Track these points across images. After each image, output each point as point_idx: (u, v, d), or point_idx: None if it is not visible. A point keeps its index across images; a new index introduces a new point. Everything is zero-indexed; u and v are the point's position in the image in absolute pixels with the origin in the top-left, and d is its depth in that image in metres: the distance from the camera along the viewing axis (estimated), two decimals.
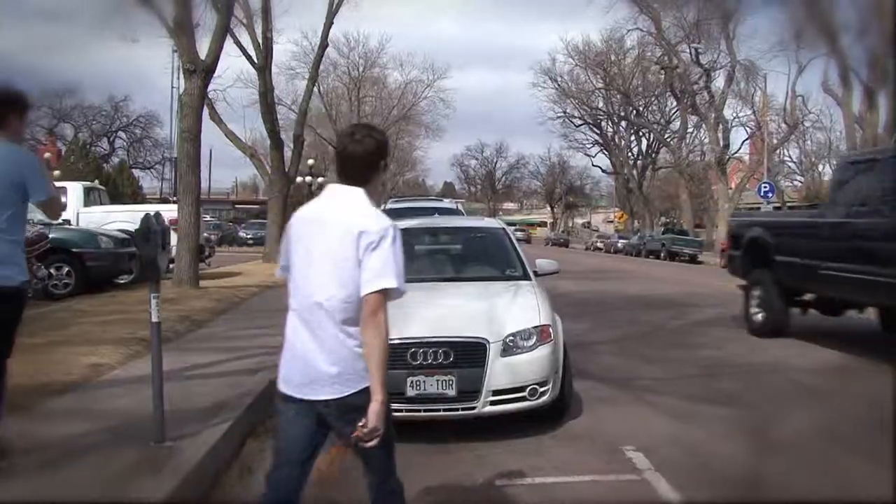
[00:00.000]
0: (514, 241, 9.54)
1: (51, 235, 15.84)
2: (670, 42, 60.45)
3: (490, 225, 10.65)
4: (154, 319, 6.41)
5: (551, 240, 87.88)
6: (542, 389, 7.17)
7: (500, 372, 7.01)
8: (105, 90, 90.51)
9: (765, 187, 47.96)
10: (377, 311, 3.85)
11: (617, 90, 73.61)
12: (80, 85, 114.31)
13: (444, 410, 7.02)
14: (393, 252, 3.93)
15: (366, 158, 4.07)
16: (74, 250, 16.91)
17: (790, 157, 70.34)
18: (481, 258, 9.75)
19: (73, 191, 21.79)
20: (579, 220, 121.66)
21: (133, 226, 18.87)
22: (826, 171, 70.45)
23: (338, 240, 3.92)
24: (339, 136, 4.36)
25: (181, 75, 30.27)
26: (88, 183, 24.97)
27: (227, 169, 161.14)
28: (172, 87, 49.98)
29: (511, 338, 7.17)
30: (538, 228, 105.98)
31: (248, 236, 59.13)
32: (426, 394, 6.92)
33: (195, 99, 17.51)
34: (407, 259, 8.08)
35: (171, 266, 17.40)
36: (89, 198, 22.38)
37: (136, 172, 72.68)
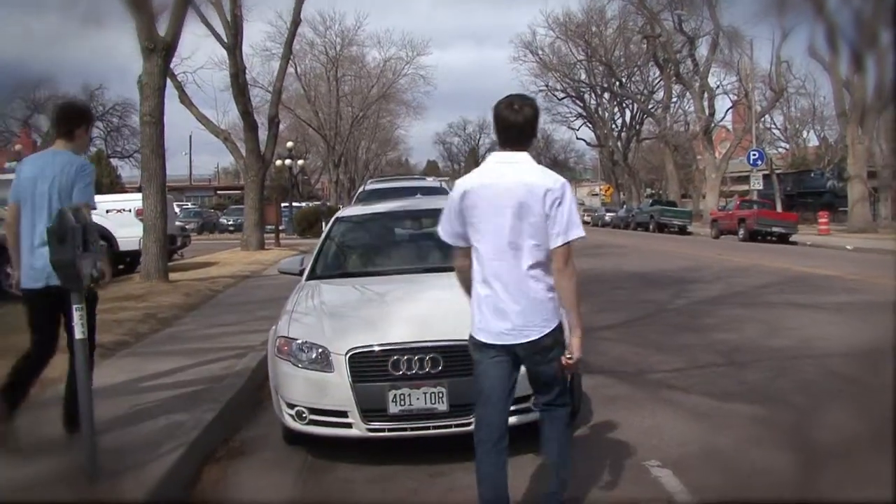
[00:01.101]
0: None
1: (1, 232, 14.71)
2: (653, 10, 59.61)
3: None
4: (78, 336, 5.29)
5: None
6: None
7: None
8: (79, 80, 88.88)
9: (754, 154, 47.45)
10: (569, 260, 4.49)
11: (599, 61, 72.71)
12: (55, 75, 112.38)
13: (435, 428, 5.91)
14: (574, 205, 4.53)
15: (525, 126, 4.59)
16: None
17: (774, 123, 69.56)
18: None
19: None
20: None
21: (101, 219, 18.09)
22: (811, 138, 70.33)
23: (523, 198, 4.45)
24: (497, 107, 4.62)
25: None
26: None
27: (208, 155, 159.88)
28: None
29: None
30: None
31: (230, 223, 57.88)
32: (412, 409, 5.82)
33: (156, 79, 16.30)
34: (384, 247, 8.12)
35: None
36: None
37: (115, 162, 71.31)
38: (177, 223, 27.71)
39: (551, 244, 4.45)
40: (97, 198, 18.87)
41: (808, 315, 12.28)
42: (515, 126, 4.57)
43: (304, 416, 6.05)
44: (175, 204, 58.09)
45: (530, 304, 4.52)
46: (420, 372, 5.82)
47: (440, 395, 5.80)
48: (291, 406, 6.12)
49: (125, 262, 20.41)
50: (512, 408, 5.83)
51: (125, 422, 6.67)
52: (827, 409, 7.27)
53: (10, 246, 6.30)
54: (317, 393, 5.98)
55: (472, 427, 5.74)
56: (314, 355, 6.06)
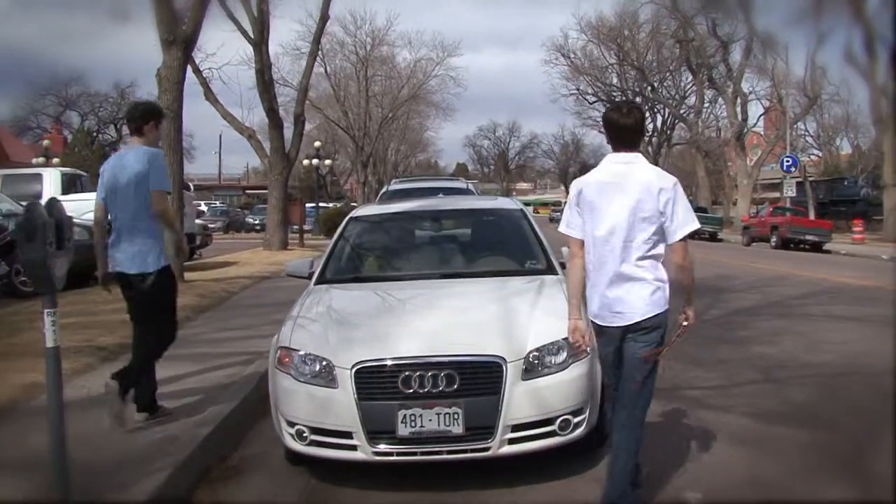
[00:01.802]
0: (535, 226, 7.82)
1: (12, 227, 14.34)
2: (686, 14, 58.77)
3: (505, 206, 8.70)
4: (49, 344, 4.77)
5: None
6: (576, 420, 5.48)
7: (521, 400, 5.30)
8: (111, 77, 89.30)
9: (787, 161, 46.43)
10: (686, 253, 4.94)
11: (631, 65, 71.72)
12: (86, 72, 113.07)
13: (449, 453, 5.30)
14: (686, 201, 4.95)
15: (636, 128, 5.04)
16: None
17: (807, 130, 68.58)
18: (495, 247, 7.97)
19: (49, 177, 20.15)
20: None
21: None
22: (843, 146, 69.34)
23: (638, 195, 4.82)
24: (608, 113, 5.12)
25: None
26: (68, 169, 23.33)
27: (238, 155, 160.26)
28: None
29: (535, 354, 5.46)
30: (550, 208, 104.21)
31: (256, 222, 57.54)
32: (424, 432, 5.21)
33: (175, 72, 15.77)
34: (402, 250, 7.91)
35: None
36: (69, 185, 20.69)
37: None
38: (197, 221, 27.31)
39: (669, 240, 4.90)
40: None
41: (851, 328, 11.60)
42: (627, 128, 4.99)
43: (304, 435, 5.47)
44: (203, 202, 58.64)
45: (641, 292, 4.86)
46: (433, 390, 5.22)
47: (455, 416, 5.20)
48: (291, 424, 5.54)
49: None
50: (534, 431, 5.31)
51: (113, 436, 6.12)
52: (887, 436, 6.55)
53: (95, 241, 7.04)
54: (319, 411, 5.39)
55: (489, 452, 5.23)
56: (317, 368, 5.48)
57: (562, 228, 5.16)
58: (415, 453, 5.28)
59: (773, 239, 37.42)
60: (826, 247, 35.70)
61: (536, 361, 5.43)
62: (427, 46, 74.20)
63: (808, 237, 36.64)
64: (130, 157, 6.68)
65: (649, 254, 4.85)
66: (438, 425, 5.20)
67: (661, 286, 4.88)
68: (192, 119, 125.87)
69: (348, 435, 5.29)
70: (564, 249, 7.35)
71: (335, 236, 7.98)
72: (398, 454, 5.26)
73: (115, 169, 6.71)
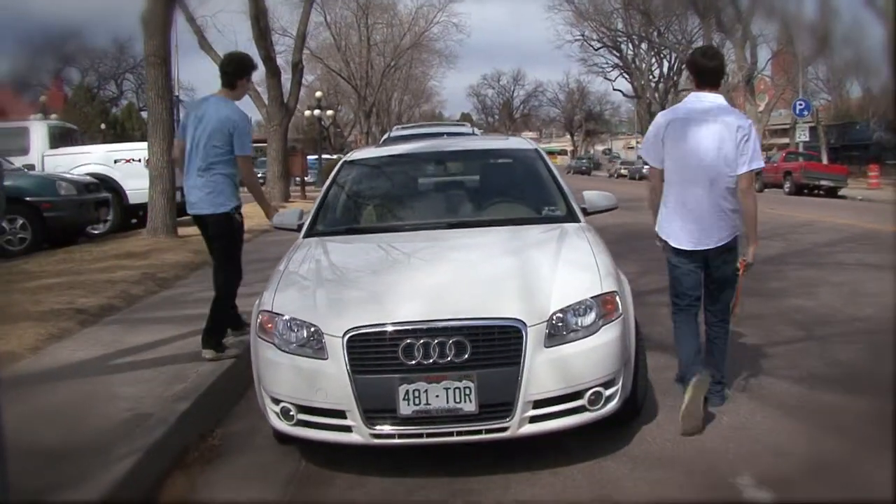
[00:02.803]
0: (553, 168, 6.97)
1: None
2: None
3: (517, 146, 7.80)
4: None
5: (573, 167, 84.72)
6: (608, 392, 4.67)
7: (544, 371, 4.48)
8: (110, 32, 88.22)
9: (800, 105, 45.69)
10: (751, 184, 5.54)
11: (637, 10, 70.58)
12: (84, 27, 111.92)
13: (460, 434, 4.49)
14: (758, 141, 5.55)
15: (718, 70, 5.67)
16: (29, 199, 14.55)
17: (817, 74, 67.34)
18: (508, 192, 7.03)
19: (37, 131, 19.24)
20: (599, 147, 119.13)
21: (108, 169, 16.79)
22: (854, 90, 68.34)
23: (719, 132, 5.42)
24: (693, 55, 5.78)
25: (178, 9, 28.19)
26: (56, 122, 22.45)
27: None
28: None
29: (559, 316, 4.62)
30: (558, 157, 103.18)
31: (259, 175, 56.79)
32: (430, 410, 4.41)
33: (160, 15, 14.89)
34: (403, 197, 7.29)
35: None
36: (60, 139, 19.85)
37: (146, 115, 70.75)
38: None
39: (739, 170, 5.41)
40: (105, 147, 17.50)
41: (888, 278, 10.73)
42: (710, 70, 5.62)
43: (291, 414, 4.68)
44: None
45: (720, 218, 5.50)
46: (440, 361, 4.42)
47: (466, 391, 4.40)
48: (276, 401, 4.75)
49: (138, 217, 19.08)
50: (559, 407, 4.52)
51: (76, 415, 5.40)
52: None
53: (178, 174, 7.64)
54: (307, 386, 4.59)
55: (507, 433, 4.43)
56: (304, 336, 4.68)
57: (648, 159, 5.83)
58: (420, 435, 4.50)
59: (787, 185, 36.74)
60: (841, 192, 34.93)
61: (561, 325, 4.61)
62: None
63: (823, 182, 35.99)
64: (217, 106, 6.88)
65: (730, 185, 5.44)
66: (447, 402, 4.40)
67: (738, 211, 5.52)
68: (194, 76, 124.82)
69: (341, 414, 4.50)
70: (587, 194, 6.56)
71: (327, 182, 7.12)
72: (400, 436, 4.48)
73: (200, 113, 6.89)
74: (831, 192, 35.15)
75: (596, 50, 79.95)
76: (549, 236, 5.86)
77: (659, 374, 6.18)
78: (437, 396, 4.40)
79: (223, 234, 6.94)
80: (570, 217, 6.27)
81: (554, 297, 4.70)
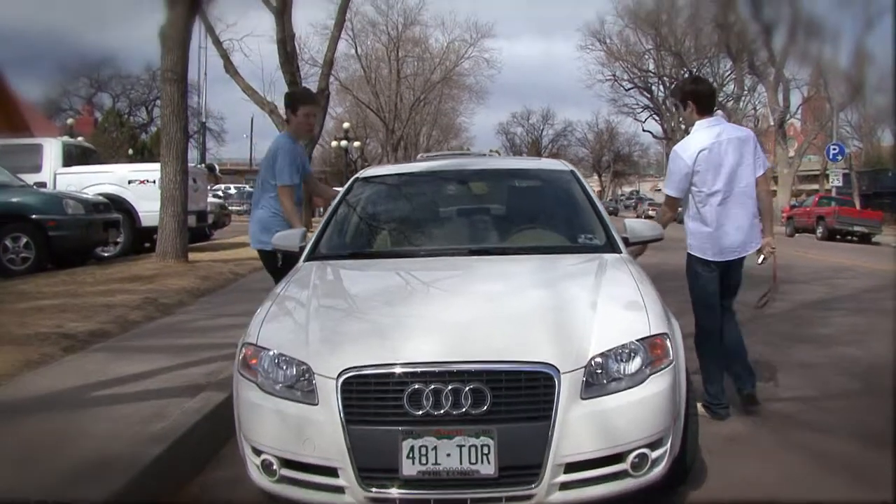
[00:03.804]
0: (591, 192, 6.21)
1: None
2: None
3: (551, 167, 7.01)
4: None
5: None
6: (654, 454, 3.86)
7: (579, 427, 3.68)
8: (143, 59, 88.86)
9: (834, 149, 44.83)
10: (767, 179, 6.24)
11: (668, 51, 70.16)
12: (118, 54, 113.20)
13: (474, 502, 3.67)
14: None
15: (714, 93, 6.48)
16: (34, 217, 13.93)
17: (848, 121, 66.71)
18: (539, 217, 6.26)
19: (50, 149, 18.71)
20: (627, 189, 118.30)
21: (122, 190, 16.23)
22: (885, 136, 67.76)
23: (740, 148, 5.98)
24: (693, 86, 6.28)
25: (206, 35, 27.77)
26: (71, 140, 21.91)
27: (269, 140, 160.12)
28: (200, 48, 46.43)
29: (599, 361, 3.84)
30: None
31: None
32: (440, 471, 3.63)
33: (179, 31, 14.29)
34: (420, 220, 6.56)
35: None
36: (76, 157, 19.29)
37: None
38: (214, 199, 25.97)
39: (757, 173, 6.04)
40: (119, 167, 16.93)
41: None
42: (709, 94, 6.26)
43: (273, 469, 3.91)
44: (232, 185, 57.80)
45: (753, 226, 6.07)
46: (454, 412, 3.64)
47: (485, 449, 3.62)
48: (257, 452, 3.98)
49: (151, 240, 18.46)
50: (597, 472, 3.72)
51: (30, 457, 4.62)
52: None
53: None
54: (293, 436, 3.82)
55: (533, 502, 3.60)
56: (292, 376, 3.92)
57: (671, 192, 6.15)
58: (426, 502, 3.70)
59: (820, 229, 36.10)
60: (875, 239, 34.15)
61: (601, 372, 3.82)
62: (461, 27, 73.08)
63: (857, 228, 35.42)
64: (274, 141, 7.28)
65: (751, 196, 6.02)
66: (460, 462, 3.62)
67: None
68: (224, 104, 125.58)
69: (332, 472, 3.72)
70: (629, 222, 5.77)
71: (335, 200, 6.37)
72: (402, 502, 3.69)
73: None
74: (864, 239, 34.61)
75: (626, 90, 79.46)
76: (587, 268, 5.07)
77: (704, 428, 5.32)
78: (449, 455, 3.62)
79: (272, 272, 6.98)
80: (610, 247, 5.47)
81: (594, 338, 3.91)
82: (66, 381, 6.41)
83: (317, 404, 3.77)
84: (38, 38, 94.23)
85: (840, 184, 46.45)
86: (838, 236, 35.27)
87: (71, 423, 5.28)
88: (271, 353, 4.02)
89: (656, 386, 3.89)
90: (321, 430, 3.73)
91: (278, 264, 6.73)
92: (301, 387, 3.86)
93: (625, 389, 3.83)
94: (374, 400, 3.72)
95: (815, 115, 59.94)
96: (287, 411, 3.85)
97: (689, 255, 6.21)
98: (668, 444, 3.94)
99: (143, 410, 5.54)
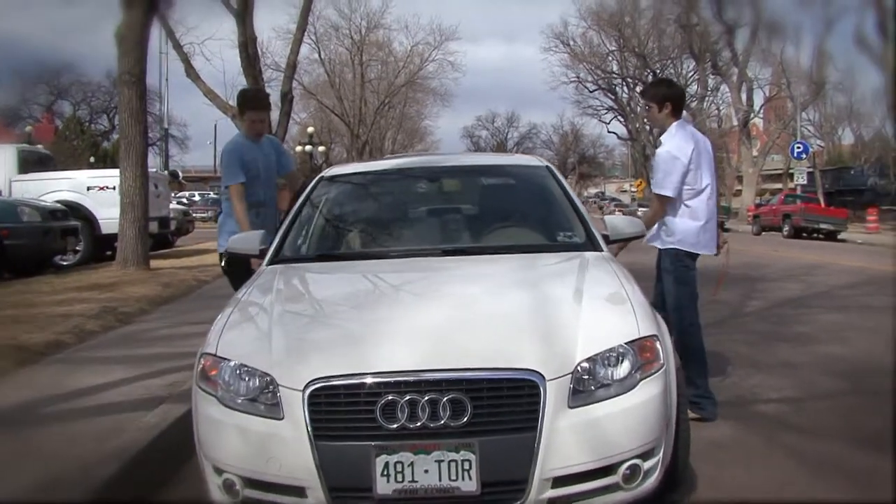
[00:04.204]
0: (568, 188, 5.89)
1: None
2: None
3: (526, 162, 6.70)
4: None
5: None
6: (646, 465, 3.59)
7: (567, 438, 3.39)
8: (104, 66, 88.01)
9: (798, 147, 45.00)
10: None
11: (632, 52, 70.28)
12: (78, 61, 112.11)
13: None
14: None
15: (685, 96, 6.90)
16: None
17: (809, 120, 67.32)
18: (515, 214, 5.94)
19: (4, 155, 18.26)
20: (592, 190, 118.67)
21: (79, 196, 15.81)
22: (846, 136, 68.60)
23: (709, 147, 6.31)
24: (672, 88, 6.53)
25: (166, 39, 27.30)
26: (26, 146, 21.45)
27: None
28: (161, 53, 45.87)
29: (586, 366, 3.55)
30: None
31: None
32: (417, 489, 3.33)
33: (136, 31, 13.90)
34: (390, 219, 6.29)
35: None
36: (33, 164, 18.84)
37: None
38: (178, 205, 25.57)
39: None
40: (77, 173, 16.60)
41: None
42: (684, 96, 6.71)
43: (235, 489, 3.58)
44: (197, 192, 57.25)
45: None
46: (432, 424, 3.34)
47: (466, 465, 3.32)
48: (219, 472, 3.65)
49: (112, 248, 18.03)
50: (586, 486, 3.44)
51: None
52: None
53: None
54: (256, 454, 3.49)
55: None
56: (254, 388, 3.60)
57: (670, 192, 6.05)
58: None
59: (786, 228, 36.19)
60: (841, 236, 34.30)
61: (588, 378, 3.53)
62: (424, 31, 73.03)
63: (823, 226, 35.59)
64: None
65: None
66: (440, 479, 3.32)
67: None
68: (187, 111, 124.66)
69: (299, 492, 3.40)
70: (609, 219, 5.49)
71: (299, 201, 5.94)
72: None
73: None
74: (830, 236, 34.72)
75: (591, 92, 79.50)
76: (568, 267, 4.76)
77: (692, 432, 5.10)
78: (427, 471, 3.33)
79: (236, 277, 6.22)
80: (591, 245, 5.15)
81: (580, 342, 3.61)
82: (17, 395, 6.10)
83: (282, 419, 3.46)
84: None
85: (805, 182, 46.71)
86: (804, 234, 35.32)
87: (17, 442, 4.97)
88: (232, 363, 3.70)
89: (647, 392, 3.61)
90: (287, 447, 3.41)
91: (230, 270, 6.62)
92: (264, 400, 3.55)
93: (614, 396, 3.53)
94: (344, 413, 3.41)
95: (778, 114, 60.37)
96: (250, 427, 3.53)
97: (676, 251, 6.10)
98: (661, 454, 3.66)
99: (98, 426, 5.24)
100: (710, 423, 5.66)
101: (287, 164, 7.55)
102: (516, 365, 3.46)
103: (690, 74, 69.39)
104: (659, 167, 6.14)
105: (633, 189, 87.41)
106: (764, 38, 53.59)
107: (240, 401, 3.61)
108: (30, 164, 18.70)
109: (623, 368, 3.61)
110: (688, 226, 6.07)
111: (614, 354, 3.62)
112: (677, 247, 6.10)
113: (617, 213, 66.33)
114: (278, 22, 59.15)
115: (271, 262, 5.19)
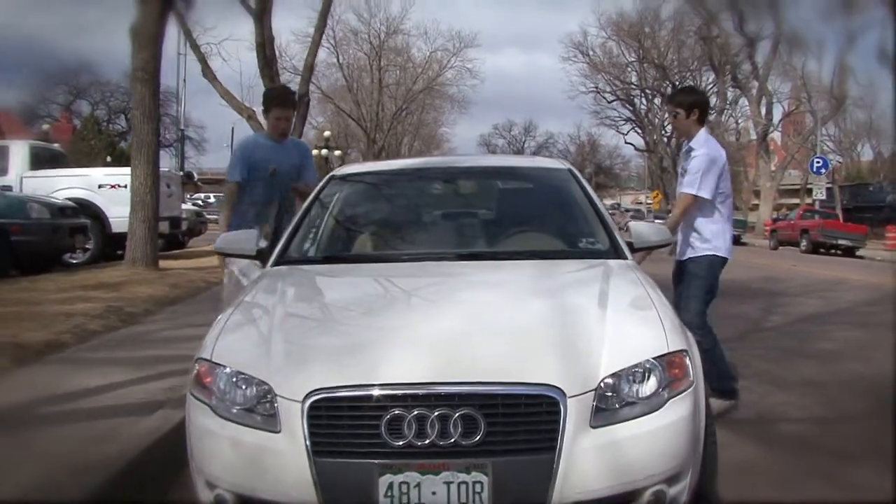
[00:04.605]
0: (591, 192, 5.58)
1: None
2: (711, 10, 56.96)
3: (547, 165, 6.45)
4: None
5: None
6: (672, 491, 3.31)
7: (588, 460, 3.12)
8: (123, 66, 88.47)
9: (817, 162, 44.77)
10: None
11: (651, 63, 70.13)
12: (97, 61, 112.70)
13: None
14: None
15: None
16: None
17: (828, 135, 67.07)
18: (534, 219, 5.61)
19: (17, 151, 18.13)
20: (608, 201, 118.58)
21: (89, 194, 15.66)
22: (865, 152, 68.39)
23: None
24: (702, 95, 6.98)
25: (184, 40, 27.17)
26: (39, 143, 21.34)
27: None
28: (179, 55, 45.86)
29: (610, 382, 3.28)
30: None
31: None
32: None
33: (150, 27, 13.71)
34: (402, 221, 5.99)
35: None
36: (44, 161, 18.68)
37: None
38: (190, 207, 25.45)
39: None
40: (88, 171, 16.36)
41: None
42: (708, 103, 6.93)
43: None
44: (212, 194, 57.24)
45: None
46: (442, 442, 3.07)
47: (477, 487, 3.05)
48: (211, 486, 3.39)
49: (123, 246, 17.87)
50: None
51: None
52: None
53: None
54: (251, 468, 3.23)
55: None
56: (251, 397, 3.34)
57: (707, 194, 6.15)
58: None
59: (804, 242, 36.02)
60: (859, 252, 34.09)
61: (612, 395, 3.26)
62: (443, 37, 73.00)
63: (842, 241, 35.40)
64: None
65: None
66: (448, 502, 3.07)
67: None
68: (205, 115, 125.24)
69: None
70: (634, 225, 5.20)
71: (307, 200, 5.65)
72: None
73: None
74: (848, 252, 34.52)
75: (609, 103, 79.39)
76: (591, 275, 4.49)
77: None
78: (435, 494, 3.06)
79: None
80: (615, 252, 4.85)
81: (604, 356, 3.34)
82: (13, 395, 5.90)
83: (279, 431, 3.19)
84: (14, 43, 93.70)
85: (824, 197, 46.54)
86: (822, 249, 35.16)
87: (10, 445, 4.75)
88: (227, 370, 3.44)
89: (676, 412, 3.34)
90: (284, 462, 3.15)
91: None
92: (261, 410, 3.28)
93: (640, 416, 3.26)
94: (346, 427, 3.14)
95: (797, 129, 60.13)
96: (244, 439, 3.27)
97: (713, 257, 6.23)
98: (688, 479, 3.40)
99: (93, 430, 5.02)
100: (731, 438, 5.35)
101: (306, 176, 7.07)
102: (535, 379, 3.18)
103: (710, 87, 69.25)
104: (697, 168, 6.16)
105: (649, 201, 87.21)
106: (785, 52, 53.57)
107: (235, 411, 3.34)
108: (42, 160, 18.56)
109: (650, 386, 3.34)
110: (722, 231, 6.24)
111: (641, 370, 3.35)
112: (715, 253, 6.19)
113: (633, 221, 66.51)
114: (297, 25, 59.38)
115: (276, 263, 4.93)
